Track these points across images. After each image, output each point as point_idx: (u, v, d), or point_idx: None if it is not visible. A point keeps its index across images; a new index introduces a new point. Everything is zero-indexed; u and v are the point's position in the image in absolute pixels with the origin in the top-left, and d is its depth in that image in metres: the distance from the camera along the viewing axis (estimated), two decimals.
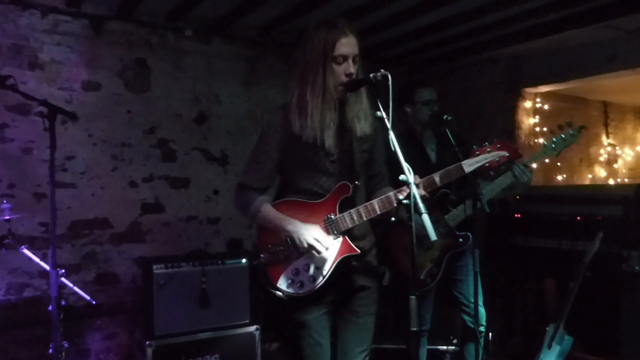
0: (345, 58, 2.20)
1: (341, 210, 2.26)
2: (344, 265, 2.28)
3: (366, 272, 2.41)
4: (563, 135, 3.07)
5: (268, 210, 2.32)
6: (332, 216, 2.26)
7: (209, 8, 4.24)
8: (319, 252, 2.20)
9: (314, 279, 2.24)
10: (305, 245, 2.20)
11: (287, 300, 2.28)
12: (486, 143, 2.29)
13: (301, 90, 2.25)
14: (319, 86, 2.20)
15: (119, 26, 4.25)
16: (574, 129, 3.06)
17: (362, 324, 2.41)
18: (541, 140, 5.54)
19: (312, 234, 2.21)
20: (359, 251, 2.27)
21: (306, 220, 2.27)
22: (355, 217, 2.25)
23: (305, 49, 2.26)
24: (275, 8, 4.23)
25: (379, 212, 2.23)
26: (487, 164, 2.27)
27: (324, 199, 2.29)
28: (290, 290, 2.26)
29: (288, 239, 2.26)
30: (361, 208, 2.25)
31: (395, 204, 2.17)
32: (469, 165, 2.25)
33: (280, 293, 2.27)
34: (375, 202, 2.23)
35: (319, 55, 2.19)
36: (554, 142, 3.08)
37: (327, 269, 2.24)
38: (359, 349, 2.40)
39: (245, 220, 2.48)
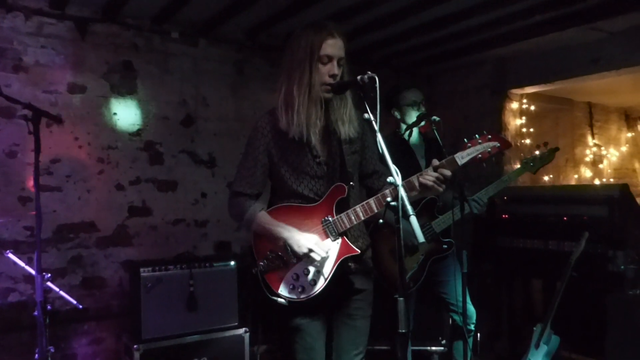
0: (330, 59, 2.23)
1: (337, 212, 2.27)
2: (344, 266, 2.28)
3: (363, 273, 2.41)
4: (540, 155, 3.43)
5: (263, 218, 2.31)
6: (330, 218, 2.26)
7: (195, 10, 4.22)
8: (317, 258, 2.19)
9: (315, 282, 2.23)
10: (304, 251, 2.19)
11: (287, 306, 2.25)
12: (476, 136, 2.31)
13: (288, 87, 2.27)
14: (306, 83, 2.23)
15: (104, 28, 4.22)
16: (549, 150, 3.44)
17: (358, 327, 2.41)
18: (527, 141, 5.62)
19: (310, 240, 2.21)
20: (358, 251, 2.27)
21: (303, 224, 2.26)
22: (353, 217, 2.25)
23: (292, 48, 2.29)
24: (262, 11, 4.23)
25: (376, 211, 2.23)
26: (479, 155, 2.27)
27: (319, 202, 2.29)
28: (292, 296, 2.24)
29: (287, 246, 2.25)
30: (358, 208, 2.24)
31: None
32: (461, 157, 2.24)
33: (282, 300, 2.25)
34: (372, 201, 2.23)
35: (306, 54, 2.23)
36: (532, 161, 3.45)
37: (329, 271, 2.23)
38: (354, 352, 2.40)
39: (235, 224, 2.47)
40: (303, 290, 2.24)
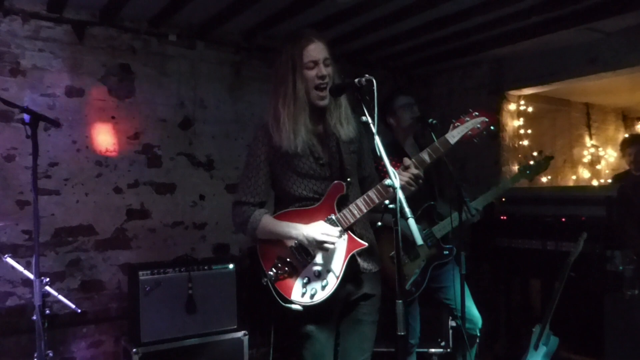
0: (315, 63, 2.25)
1: (339, 209, 2.27)
2: (354, 265, 2.28)
3: (373, 276, 2.40)
4: (534, 163, 3.53)
5: (268, 221, 2.32)
6: (333, 216, 2.26)
7: (193, 13, 4.22)
8: (331, 247, 2.19)
9: (327, 283, 2.23)
10: (315, 243, 2.18)
11: (302, 311, 2.23)
12: (462, 115, 2.34)
13: (275, 104, 2.30)
14: (290, 95, 2.25)
15: (101, 32, 4.22)
16: (544, 158, 3.55)
17: (365, 332, 2.41)
18: (525, 142, 5.63)
19: (318, 230, 2.20)
20: (366, 244, 2.27)
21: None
22: (355, 212, 2.24)
23: (275, 65, 2.34)
24: (259, 13, 4.23)
25: (377, 202, 2.22)
26: (469, 133, 2.30)
27: (319, 202, 2.30)
28: (306, 300, 2.23)
29: (292, 248, 2.24)
30: (359, 201, 2.24)
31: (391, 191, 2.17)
32: (452, 137, 2.29)
33: (296, 306, 2.23)
34: (371, 193, 2.23)
35: (288, 67, 2.26)
36: (528, 168, 3.53)
37: (339, 269, 2.23)
38: (361, 358, 2.40)
39: (236, 229, 2.45)
40: (316, 293, 2.22)
